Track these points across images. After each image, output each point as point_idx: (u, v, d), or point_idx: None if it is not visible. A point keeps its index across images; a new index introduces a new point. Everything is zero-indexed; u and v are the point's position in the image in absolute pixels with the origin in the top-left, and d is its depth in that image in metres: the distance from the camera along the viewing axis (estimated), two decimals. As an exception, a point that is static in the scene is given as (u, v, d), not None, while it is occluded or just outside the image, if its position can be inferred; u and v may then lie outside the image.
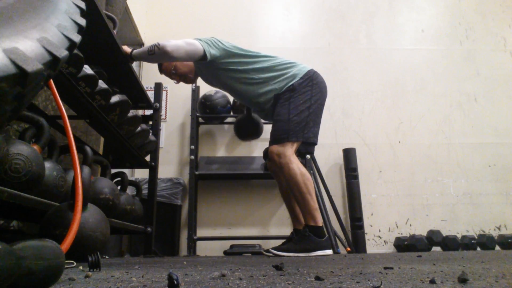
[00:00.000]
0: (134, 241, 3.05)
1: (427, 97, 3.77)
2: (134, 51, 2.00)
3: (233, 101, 3.34)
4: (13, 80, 0.46)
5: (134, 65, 2.48)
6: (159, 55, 1.94)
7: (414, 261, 1.19)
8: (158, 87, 2.66)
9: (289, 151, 1.87)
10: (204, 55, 1.96)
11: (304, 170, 1.88)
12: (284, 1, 4.01)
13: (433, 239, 3.07)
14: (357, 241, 3.07)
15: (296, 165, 1.85)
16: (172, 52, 1.91)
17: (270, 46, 3.68)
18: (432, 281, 0.56)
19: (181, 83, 2.31)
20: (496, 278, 0.62)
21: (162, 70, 2.24)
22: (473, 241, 3.09)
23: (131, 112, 2.06)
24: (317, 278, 0.63)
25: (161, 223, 2.81)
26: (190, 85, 3.33)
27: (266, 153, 2.23)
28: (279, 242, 2.07)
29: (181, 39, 1.98)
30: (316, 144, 2.00)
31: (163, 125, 3.50)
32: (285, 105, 1.94)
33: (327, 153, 3.51)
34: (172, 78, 2.25)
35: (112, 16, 1.95)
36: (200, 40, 1.98)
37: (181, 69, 2.19)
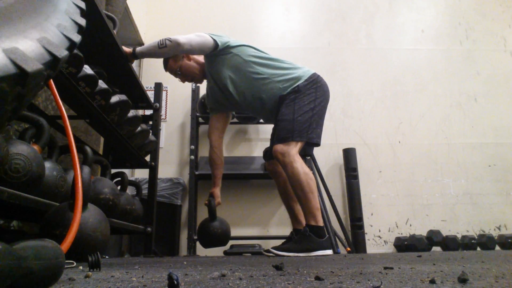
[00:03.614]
0: (134, 241, 3.05)
1: (427, 97, 3.77)
2: (138, 48, 2.00)
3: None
4: (13, 80, 0.46)
5: (134, 65, 2.47)
6: (171, 48, 1.95)
7: (414, 261, 1.19)
8: (158, 87, 2.66)
9: (293, 151, 1.89)
10: (215, 44, 1.99)
11: (307, 169, 1.89)
12: (284, 1, 4.01)
13: (433, 239, 3.07)
14: (357, 241, 3.07)
15: (300, 165, 1.87)
16: (185, 44, 1.94)
17: (270, 46, 3.67)
18: (432, 281, 0.56)
19: (181, 82, 2.32)
20: (496, 278, 0.62)
21: (167, 68, 2.23)
22: (473, 241, 3.09)
23: (131, 112, 2.06)
24: (317, 278, 0.63)
25: (161, 223, 2.81)
26: (190, 85, 3.34)
27: (266, 153, 2.23)
28: (279, 242, 2.07)
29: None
30: (319, 145, 2.02)
31: (163, 125, 3.49)
32: (290, 105, 1.96)
33: (327, 153, 3.51)
34: (176, 77, 2.25)
35: (112, 16, 1.94)
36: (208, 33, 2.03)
37: (186, 70, 2.19)
